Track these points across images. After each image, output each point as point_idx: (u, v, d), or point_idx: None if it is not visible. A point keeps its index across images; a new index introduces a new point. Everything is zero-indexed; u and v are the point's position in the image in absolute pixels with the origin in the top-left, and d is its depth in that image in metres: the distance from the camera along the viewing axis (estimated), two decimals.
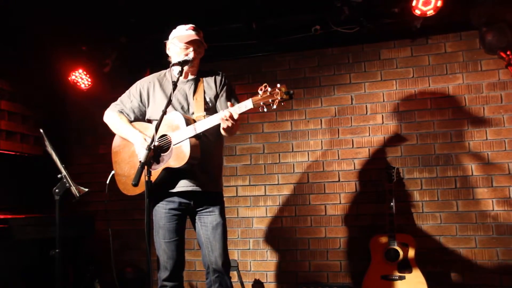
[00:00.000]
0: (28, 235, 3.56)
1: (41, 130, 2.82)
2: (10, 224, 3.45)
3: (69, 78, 4.61)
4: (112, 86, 4.65)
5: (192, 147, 2.59)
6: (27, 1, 3.70)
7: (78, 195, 2.70)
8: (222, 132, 2.66)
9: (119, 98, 2.99)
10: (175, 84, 2.58)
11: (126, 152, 2.87)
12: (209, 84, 2.87)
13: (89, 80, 4.63)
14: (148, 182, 2.32)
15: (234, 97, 2.91)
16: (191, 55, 2.73)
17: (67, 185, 2.70)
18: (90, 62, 4.55)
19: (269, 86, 2.38)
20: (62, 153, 2.89)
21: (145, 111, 2.93)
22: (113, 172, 2.88)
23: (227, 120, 2.50)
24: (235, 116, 2.49)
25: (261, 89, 2.40)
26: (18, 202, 3.93)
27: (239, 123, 2.59)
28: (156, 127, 2.44)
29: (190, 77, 2.88)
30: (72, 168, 4.34)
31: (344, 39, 4.29)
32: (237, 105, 2.51)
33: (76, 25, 4.06)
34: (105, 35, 4.33)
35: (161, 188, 2.69)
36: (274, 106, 2.38)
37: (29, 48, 4.36)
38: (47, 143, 2.78)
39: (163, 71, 2.98)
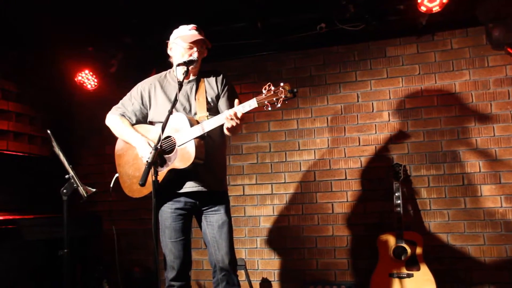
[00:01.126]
0: (37, 235, 3.59)
1: (49, 131, 2.83)
2: (19, 225, 3.47)
3: (76, 79, 4.62)
4: (118, 86, 4.65)
5: (197, 147, 2.60)
6: (33, 3, 3.72)
7: (85, 195, 2.71)
8: (226, 131, 2.66)
9: (120, 101, 3.00)
10: (180, 84, 2.60)
11: (130, 155, 2.87)
12: (210, 84, 2.87)
13: (96, 80, 4.64)
14: (155, 182, 2.33)
15: (236, 96, 2.91)
16: (195, 55, 2.73)
17: (75, 185, 2.71)
18: (96, 62, 4.56)
19: (272, 85, 2.40)
20: (69, 153, 2.91)
21: (147, 114, 2.93)
22: (116, 175, 2.89)
23: (231, 119, 2.50)
24: (239, 115, 2.50)
25: (265, 88, 2.41)
26: (26, 203, 3.95)
27: (243, 123, 2.59)
28: (162, 128, 2.45)
29: (191, 77, 2.87)
30: (79, 168, 4.37)
31: (349, 36, 4.28)
32: (241, 105, 2.52)
33: (82, 25, 4.07)
34: (110, 35, 4.34)
35: (166, 189, 2.70)
36: (279, 105, 2.39)
37: (35, 50, 4.38)
38: (54, 143, 2.79)
39: (163, 73, 2.98)
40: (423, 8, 3.62)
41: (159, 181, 2.60)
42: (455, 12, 3.81)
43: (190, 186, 2.73)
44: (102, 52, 4.50)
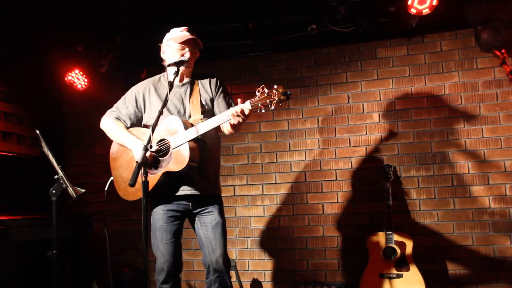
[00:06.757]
0: (26, 236, 3.55)
1: (38, 131, 2.82)
2: (8, 225, 3.44)
3: (66, 79, 4.59)
4: (109, 87, 4.65)
5: (191, 150, 2.60)
6: (22, 2, 3.69)
7: (74, 195, 2.70)
8: (229, 129, 2.65)
9: (115, 105, 2.99)
10: (171, 84, 2.58)
11: (125, 158, 2.86)
12: (204, 87, 2.87)
13: (86, 80, 4.62)
14: (145, 182, 2.32)
15: (230, 98, 2.91)
16: (187, 55, 2.73)
17: (64, 186, 2.70)
18: (86, 62, 4.54)
19: (266, 88, 2.39)
20: (58, 154, 2.90)
21: (142, 117, 2.93)
22: (111, 178, 2.87)
23: (238, 116, 2.48)
24: (246, 112, 2.46)
25: (258, 91, 2.40)
26: (15, 203, 3.91)
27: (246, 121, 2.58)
28: (152, 127, 2.43)
29: (186, 80, 2.87)
30: (69, 169, 4.33)
31: (340, 38, 4.30)
32: (237, 106, 2.49)
33: (72, 25, 4.05)
34: (101, 35, 4.32)
35: (160, 192, 2.69)
36: (272, 107, 2.38)
37: (25, 49, 4.35)
38: (43, 144, 2.78)
39: (157, 76, 2.98)
40: (413, 10, 3.65)
41: (154, 184, 2.60)
42: (444, 15, 3.84)
43: (183, 190, 2.73)
44: (92, 52, 4.47)
